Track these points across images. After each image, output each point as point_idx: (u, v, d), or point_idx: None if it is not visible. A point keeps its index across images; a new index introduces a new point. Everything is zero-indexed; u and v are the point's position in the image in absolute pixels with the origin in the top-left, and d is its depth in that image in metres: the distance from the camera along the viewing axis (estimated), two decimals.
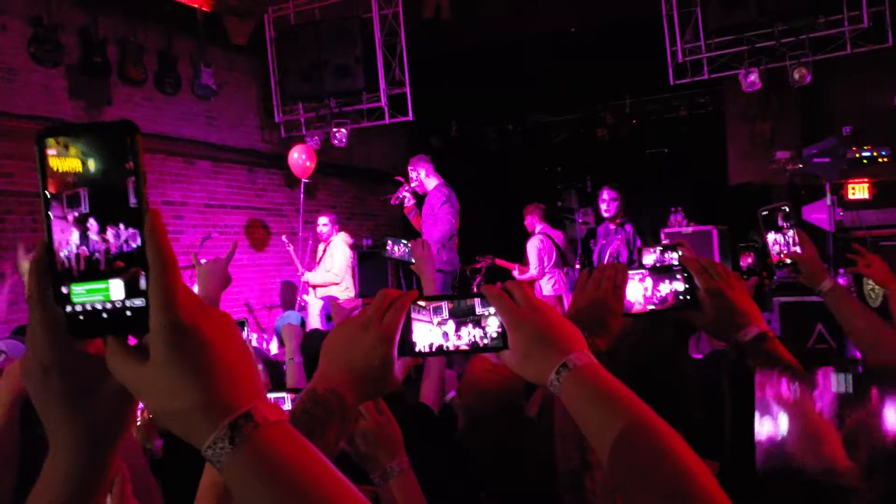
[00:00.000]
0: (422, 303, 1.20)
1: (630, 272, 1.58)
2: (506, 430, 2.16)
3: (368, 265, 9.84)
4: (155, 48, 8.65)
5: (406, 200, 7.45)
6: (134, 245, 0.73)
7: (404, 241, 3.38)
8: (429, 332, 1.20)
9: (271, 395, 1.62)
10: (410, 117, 9.27)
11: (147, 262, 0.72)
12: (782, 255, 2.34)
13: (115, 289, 0.74)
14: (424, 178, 7.42)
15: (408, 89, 9.13)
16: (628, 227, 7.83)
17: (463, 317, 1.19)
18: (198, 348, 0.71)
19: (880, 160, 7.62)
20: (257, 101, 10.14)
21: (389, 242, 3.47)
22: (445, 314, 1.20)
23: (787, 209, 2.35)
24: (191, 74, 9.00)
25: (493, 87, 11.06)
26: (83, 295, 0.74)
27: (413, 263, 3.18)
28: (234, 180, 9.91)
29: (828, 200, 7.63)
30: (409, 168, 7.50)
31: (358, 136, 9.84)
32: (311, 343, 3.43)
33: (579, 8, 9.07)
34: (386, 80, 9.22)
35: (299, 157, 9.54)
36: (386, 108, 9.29)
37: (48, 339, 0.75)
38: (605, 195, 7.91)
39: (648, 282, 1.60)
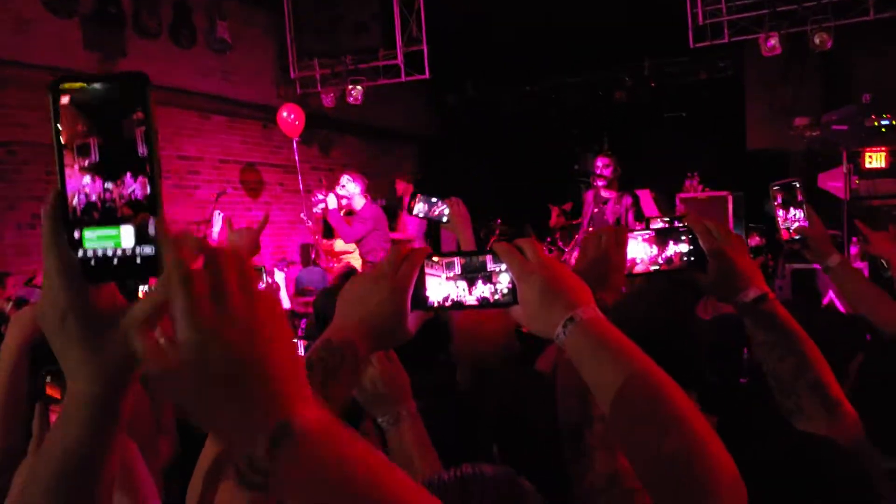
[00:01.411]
0: (435, 258, 1.23)
1: (636, 232, 1.60)
2: (514, 385, 2.18)
3: None
4: (170, 0, 8.61)
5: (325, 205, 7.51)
6: (144, 193, 0.76)
7: (436, 198, 3.30)
8: (441, 287, 1.22)
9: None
10: (427, 75, 9.21)
11: (157, 209, 0.76)
12: (791, 231, 2.36)
13: (126, 235, 0.77)
14: (356, 194, 7.54)
15: (425, 47, 9.06)
16: (626, 200, 7.56)
17: (475, 273, 1.22)
18: (225, 363, 0.70)
19: None
20: (273, 56, 10.09)
21: (420, 199, 3.39)
22: (458, 270, 1.23)
23: (799, 185, 2.36)
24: (206, 28, 8.96)
25: (510, 48, 10.95)
26: (95, 241, 0.77)
27: (445, 222, 3.14)
28: (250, 136, 9.92)
29: (844, 168, 7.56)
30: (344, 178, 7.56)
31: (373, 94, 9.79)
32: (324, 301, 3.46)
33: None
34: (403, 38, 9.15)
35: (288, 117, 9.43)
36: (402, 66, 9.24)
37: (63, 282, 0.78)
38: (599, 162, 7.75)
39: (654, 242, 1.61)
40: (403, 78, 9.38)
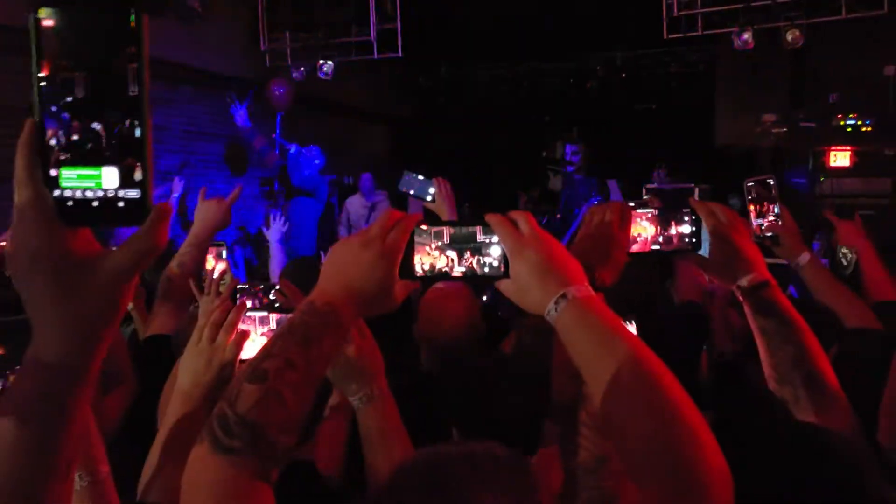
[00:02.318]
0: (424, 227, 1.20)
1: (640, 210, 1.60)
2: (479, 369, 2.17)
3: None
4: None
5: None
6: (131, 135, 0.71)
7: (423, 176, 3.25)
8: (429, 256, 1.20)
9: (254, 314, 1.62)
10: (399, 54, 9.13)
11: (145, 153, 0.72)
12: (764, 228, 2.38)
13: (109, 177, 0.71)
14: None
15: (399, 25, 8.98)
16: (593, 181, 7.84)
17: (464, 243, 1.20)
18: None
19: (864, 129, 7.64)
20: (243, 28, 9.91)
21: (406, 175, 3.32)
22: (447, 239, 1.20)
23: (772, 182, 2.38)
24: None
25: (485, 32, 10.90)
26: (73, 180, 0.71)
27: (430, 202, 3.11)
28: (216, 108, 9.77)
29: (809, 166, 7.65)
30: None
31: (343, 70, 9.68)
32: (299, 270, 3.42)
33: None
34: (377, 15, 9.05)
35: (277, 90, 9.34)
36: (375, 43, 9.14)
37: (36, 222, 0.72)
38: (569, 149, 7.93)
39: (656, 222, 1.61)
40: (376, 55, 9.28)
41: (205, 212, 2.68)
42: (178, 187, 7.53)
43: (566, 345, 1.10)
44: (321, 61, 9.33)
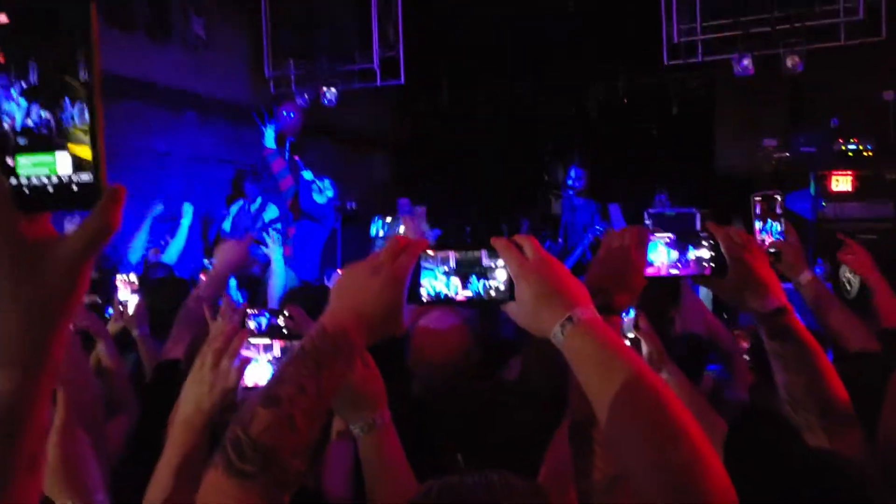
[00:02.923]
0: (430, 252, 1.22)
1: (657, 235, 1.60)
2: (480, 395, 2.17)
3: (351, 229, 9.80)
4: None
5: None
6: (83, 119, 0.73)
7: (390, 218, 3.35)
8: (435, 281, 1.22)
9: (258, 341, 1.64)
10: (402, 81, 9.20)
11: (96, 136, 0.72)
12: (767, 243, 2.37)
13: (62, 162, 0.73)
14: None
15: (401, 53, 9.05)
16: (594, 206, 7.92)
17: (470, 268, 1.21)
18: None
19: (865, 154, 7.67)
20: (248, 55, 10.00)
21: (375, 217, 3.45)
22: (452, 264, 1.21)
23: (779, 198, 2.38)
24: (181, 23, 8.86)
25: (485, 57, 10.97)
26: (29, 167, 0.73)
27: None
28: (221, 134, 9.82)
29: (811, 191, 7.67)
30: None
31: (345, 97, 9.74)
32: (304, 296, 3.46)
33: None
34: (379, 42, 9.12)
35: (288, 115, 9.40)
36: (378, 70, 9.21)
37: None
38: (573, 172, 7.98)
39: (673, 246, 1.61)
40: (379, 82, 9.35)
41: (223, 252, 2.86)
42: (186, 212, 7.56)
43: (573, 367, 1.11)
44: (324, 88, 9.39)
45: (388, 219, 3.35)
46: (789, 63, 7.53)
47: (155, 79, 8.58)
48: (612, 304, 1.37)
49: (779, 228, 2.36)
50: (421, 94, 12.86)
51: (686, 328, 3.25)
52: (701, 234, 1.62)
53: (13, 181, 0.74)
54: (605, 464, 1.28)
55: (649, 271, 1.57)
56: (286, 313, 2.26)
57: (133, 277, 3.17)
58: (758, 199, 2.38)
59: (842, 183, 7.77)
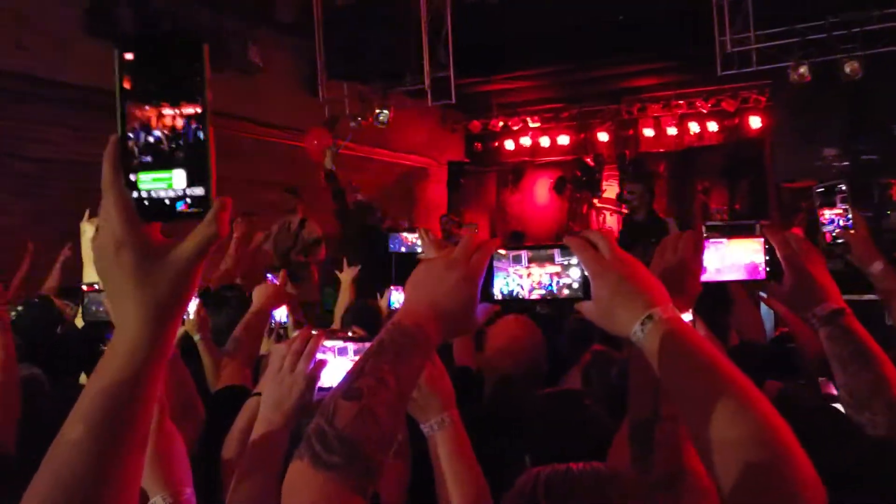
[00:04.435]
0: (502, 251, 1.22)
1: (711, 240, 1.61)
2: (555, 405, 2.19)
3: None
4: (205, 24, 8.72)
5: None
6: (196, 139, 0.83)
7: (408, 233, 3.38)
8: (508, 280, 1.22)
9: (333, 343, 1.68)
10: (454, 100, 9.28)
11: (208, 153, 0.84)
12: (835, 234, 2.31)
13: (178, 178, 0.84)
14: None
15: (451, 73, 9.13)
16: (652, 220, 7.56)
17: (542, 266, 1.21)
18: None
19: None
20: (302, 79, 10.19)
21: (393, 236, 3.51)
22: (525, 263, 1.21)
23: (844, 187, 2.31)
24: (238, 51, 9.07)
25: (536, 75, 11.00)
26: (149, 182, 0.84)
27: (420, 254, 3.18)
28: (279, 158, 9.99)
29: (875, 199, 7.50)
30: None
31: (398, 117, 9.86)
32: (360, 314, 3.54)
33: None
34: (430, 63, 9.22)
35: (314, 140, 9.47)
36: (429, 91, 9.30)
37: (120, 218, 0.83)
38: (628, 188, 7.88)
39: (728, 250, 1.61)
40: (430, 103, 9.44)
41: (261, 292, 3.05)
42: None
43: (654, 365, 1.10)
44: (377, 110, 9.52)
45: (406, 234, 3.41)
46: (848, 69, 7.37)
47: (212, 105, 8.75)
48: None
49: (846, 219, 2.29)
50: (470, 115, 12.92)
51: (743, 337, 3.20)
52: (757, 239, 1.61)
53: (136, 194, 0.84)
54: (665, 463, 1.29)
55: (705, 277, 1.55)
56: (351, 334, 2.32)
57: None
58: (820, 189, 2.33)
59: None
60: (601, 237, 1.20)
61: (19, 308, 3.81)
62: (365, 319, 3.46)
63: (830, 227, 2.32)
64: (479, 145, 13.79)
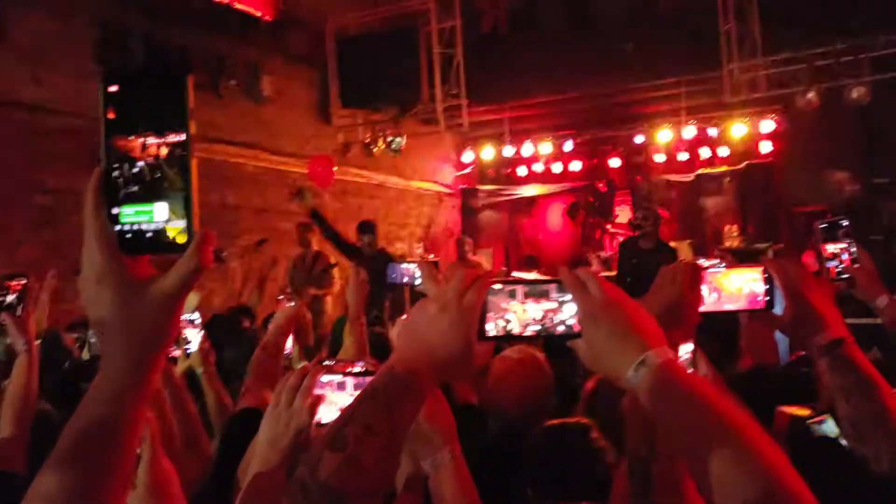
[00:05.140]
0: (497, 286, 1.16)
1: (711, 269, 1.57)
2: (560, 439, 2.18)
3: None
4: (217, 55, 8.84)
5: None
6: (177, 172, 0.83)
7: (406, 264, 3.40)
8: (501, 316, 1.16)
9: (331, 378, 1.68)
10: (466, 127, 9.36)
11: (189, 186, 0.83)
12: (840, 269, 2.31)
13: (160, 211, 0.84)
14: None
15: (463, 100, 9.21)
16: (660, 247, 7.56)
17: (538, 302, 1.16)
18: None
19: None
20: (315, 108, 10.29)
21: (392, 266, 3.51)
22: (520, 298, 1.16)
23: (846, 223, 2.32)
24: (250, 81, 9.18)
25: (547, 102, 11.04)
26: (132, 216, 0.85)
27: (418, 286, 3.20)
28: (291, 186, 10.05)
29: (884, 222, 7.48)
30: None
31: (409, 143, 9.94)
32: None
33: (636, 24, 9.07)
34: (442, 91, 9.31)
35: (317, 168, 9.51)
36: (442, 118, 9.38)
37: (101, 252, 0.84)
38: (638, 214, 7.86)
39: (728, 280, 1.58)
40: (443, 128, 9.53)
41: (280, 315, 2.93)
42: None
43: (650, 410, 1.07)
44: (391, 138, 9.60)
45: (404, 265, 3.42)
46: (855, 94, 7.38)
47: (224, 134, 8.86)
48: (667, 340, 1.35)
49: (850, 253, 2.29)
50: (480, 140, 12.97)
51: (755, 359, 3.16)
52: (756, 268, 1.59)
53: (118, 227, 0.85)
54: (664, 499, 1.27)
55: (704, 307, 1.52)
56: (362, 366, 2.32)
57: (195, 316, 3.27)
58: (823, 226, 2.33)
59: None
60: (591, 277, 1.15)
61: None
62: (375, 349, 3.46)
63: (834, 262, 2.31)
64: (491, 172, 13.81)
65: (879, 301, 2.35)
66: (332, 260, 8.31)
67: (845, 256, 2.31)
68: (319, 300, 8.18)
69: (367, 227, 7.96)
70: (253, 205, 9.47)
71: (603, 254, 11.15)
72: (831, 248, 2.33)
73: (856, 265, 2.30)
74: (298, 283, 8.21)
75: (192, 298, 4.45)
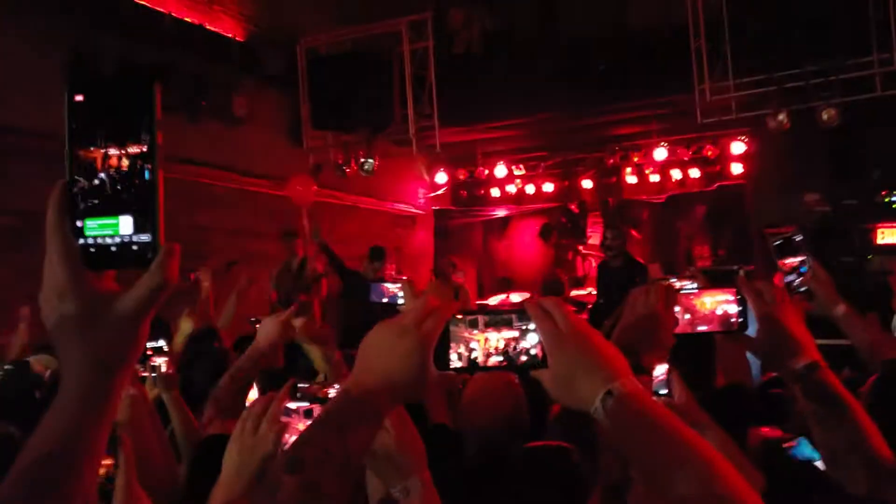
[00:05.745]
0: (459, 315, 1.18)
1: (684, 291, 1.59)
2: (535, 462, 2.16)
3: None
4: (188, 75, 8.77)
5: None
6: (143, 184, 0.80)
7: (391, 284, 3.43)
8: (464, 346, 1.18)
9: (299, 405, 1.64)
10: (438, 148, 9.35)
11: (155, 198, 0.80)
12: (795, 283, 2.34)
13: (125, 224, 0.80)
14: None
15: (436, 121, 9.21)
16: (632, 266, 7.71)
17: (500, 331, 1.17)
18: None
19: None
20: (287, 129, 10.25)
21: (374, 286, 3.54)
22: (482, 327, 1.17)
23: (800, 237, 2.35)
24: (222, 101, 9.12)
25: (519, 124, 11.09)
26: (95, 229, 0.81)
27: (401, 305, 3.17)
28: (262, 207, 9.99)
29: (856, 243, 7.56)
30: None
31: (382, 164, 9.93)
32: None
33: (607, 46, 9.14)
34: (415, 113, 9.31)
35: (297, 186, 9.52)
36: (414, 139, 9.38)
37: (63, 266, 0.81)
38: (608, 234, 7.97)
39: (701, 302, 1.59)
40: (415, 151, 9.52)
41: (265, 327, 2.86)
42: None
43: (617, 440, 1.08)
44: (362, 159, 9.58)
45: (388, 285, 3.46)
46: (825, 116, 7.46)
47: (196, 155, 8.79)
48: (640, 363, 1.34)
49: (806, 266, 2.33)
50: (455, 163, 13.01)
51: (727, 378, 3.18)
52: (729, 291, 1.59)
53: (81, 241, 0.81)
54: None
55: (678, 329, 1.52)
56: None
57: (160, 343, 3.20)
58: (777, 242, 2.36)
59: (888, 236, 7.65)
60: (556, 306, 1.15)
61: None
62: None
63: (792, 276, 2.35)
64: (464, 193, 13.83)
65: (837, 310, 2.38)
66: (320, 268, 8.41)
67: (804, 269, 2.34)
68: (310, 306, 8.15)
69: (378, 255, 8.59)
70: (223, 226, 9.38)
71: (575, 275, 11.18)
72: (789, 261, 2.36)
73: (812, 277, 2.33)
74: (286, 289, 8.20)
75: (186, 326, 4.41)
